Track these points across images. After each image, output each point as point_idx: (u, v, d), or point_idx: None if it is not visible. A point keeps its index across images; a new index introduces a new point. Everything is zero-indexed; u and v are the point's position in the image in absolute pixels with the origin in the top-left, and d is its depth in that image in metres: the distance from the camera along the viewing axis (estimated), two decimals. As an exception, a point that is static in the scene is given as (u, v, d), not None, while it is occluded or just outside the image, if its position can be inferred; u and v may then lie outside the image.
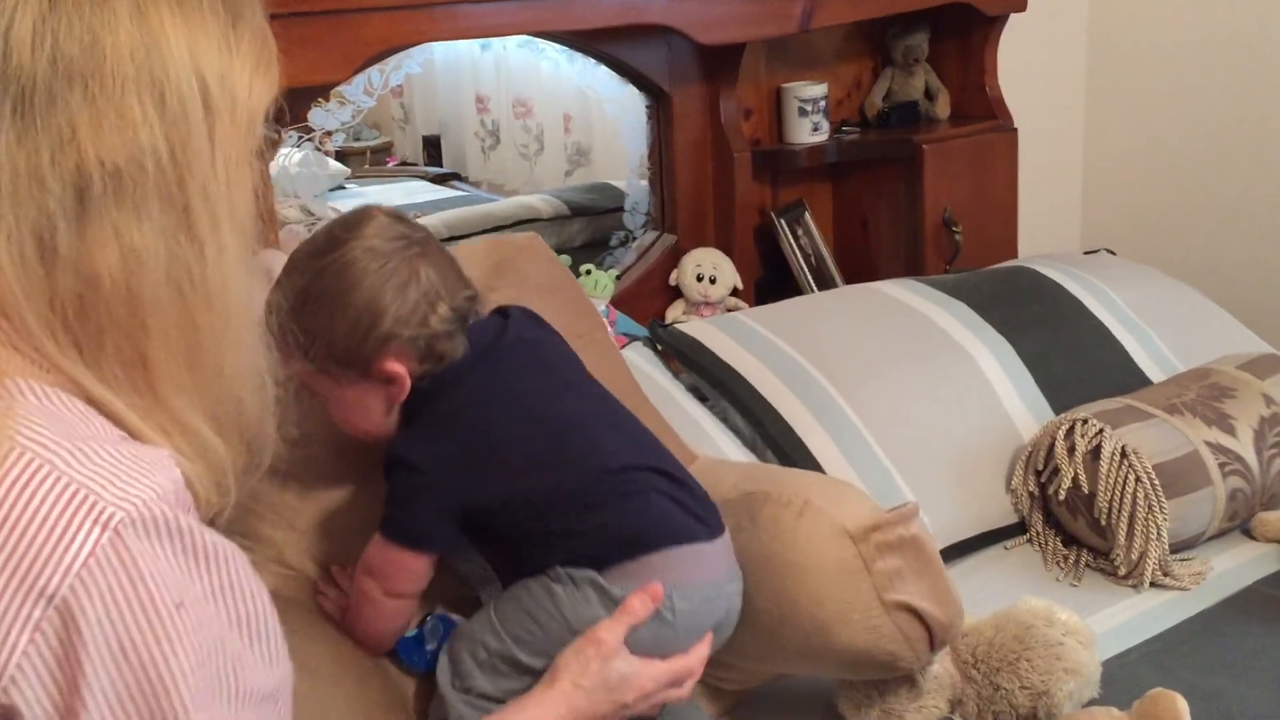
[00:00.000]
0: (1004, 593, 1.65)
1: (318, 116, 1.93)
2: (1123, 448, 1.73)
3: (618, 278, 2.27)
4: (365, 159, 2.87)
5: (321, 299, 1.14)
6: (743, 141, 2.33)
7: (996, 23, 2.46)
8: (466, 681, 1.19)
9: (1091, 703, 1.40)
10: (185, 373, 0.75)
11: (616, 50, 2.19)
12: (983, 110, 2.50)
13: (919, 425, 1.88)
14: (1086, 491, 1.75)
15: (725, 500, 1.34)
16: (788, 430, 1.83)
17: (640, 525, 1.19)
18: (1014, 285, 2.20)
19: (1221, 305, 2.34)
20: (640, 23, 2.03)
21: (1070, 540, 1.82)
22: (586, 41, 2.16)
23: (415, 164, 2.91)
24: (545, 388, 1.24)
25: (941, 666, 1.39)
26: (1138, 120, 2.84)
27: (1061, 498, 1.78)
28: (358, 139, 2.81)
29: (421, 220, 2.35)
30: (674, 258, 2.33)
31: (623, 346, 1.96)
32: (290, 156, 1.97)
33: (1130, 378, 2.06)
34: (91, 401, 0.73)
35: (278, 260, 1.23)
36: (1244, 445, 1.81)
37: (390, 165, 2.91)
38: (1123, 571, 1.73)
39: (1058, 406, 1.95)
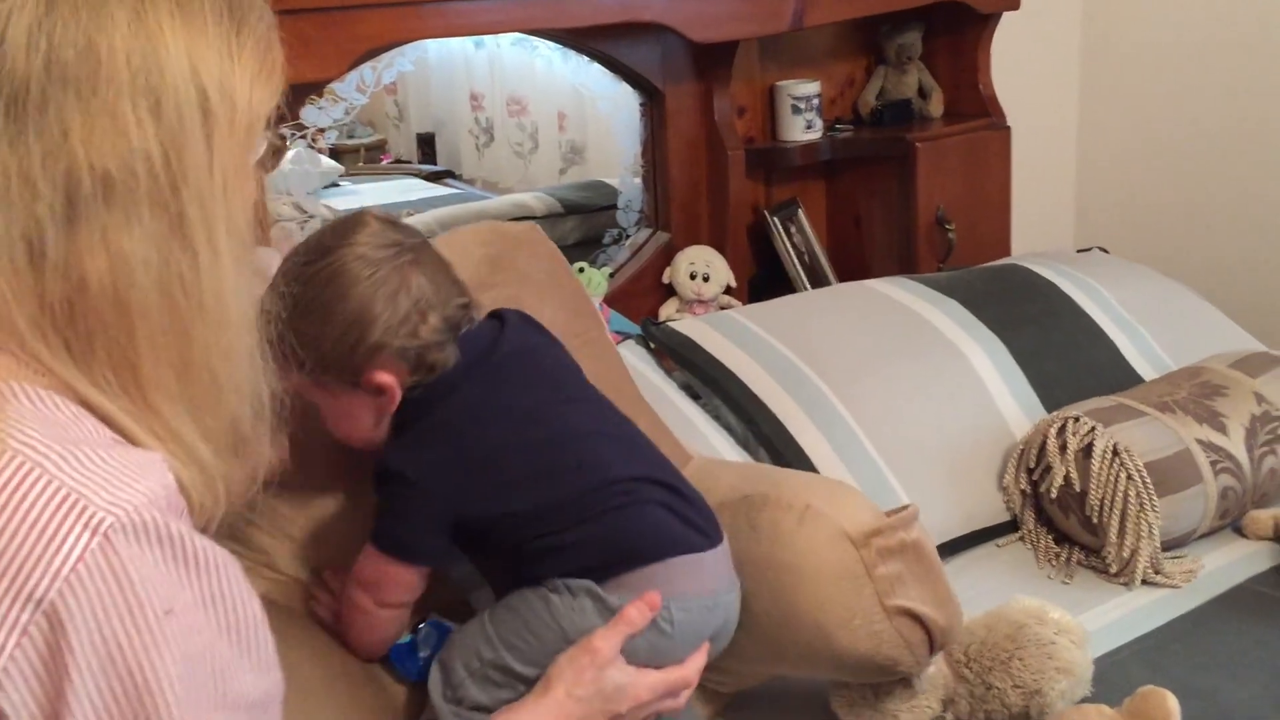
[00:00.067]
0: (996, 590, 1.66)
1: (310, 114, 1.93)
2: (1114, 446, 1.74)
3: (611, 275, 2.27)
4: (360, 156, 2.86)
5: (311, 308, 1.12)
6: (736, 139, 2.33)
7: (990, 21, 2.47)
8: (458, 692, 1.17)
9: (1083, 700, 1.40)
10: (175, 381, 0.75)
11: (610, 48, 2.19)
12: (976, 108, 2.50)
13: (911, 423, 1.88)
14: (1078, 489, 1.75)
15: (722, 502, 1.33)
16: (780, 428, 1.84)
17: (638, 536, 1.17)
18: (1007, 283, 2.20)
19: (1214, 303, 2.35)
20: (634, 20, 2.03)
21: (1062, 538, 1.83)
22: (580, 39, 2.15)
23: (409, 162, 2.91)
24: (541, 399, 1.22)
25: (935, 666, 1.39)
26: (1131, 118, 2.85)
27: (1053, 495, 1.79)
28: (352, 136, 2.81)
29: (415, 218, 2.36)
30: (667, 255, 2.33)
31: (616, 345, 1.96)
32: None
33: (1122, 376, 2.06)
34: (84, 404, 0.73)
35: (272, 259, 1.22)
36: (1235, 443, 1.81)
37: (384, 163, 2.91)
38: (1114, 569, 1.73)
39: (1050, 404, 1.96)
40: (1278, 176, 2.61)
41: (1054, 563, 1.80)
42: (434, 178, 2.81)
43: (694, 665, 1.19)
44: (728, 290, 2.32)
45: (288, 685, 0.78)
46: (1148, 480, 1.72)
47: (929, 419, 1.90)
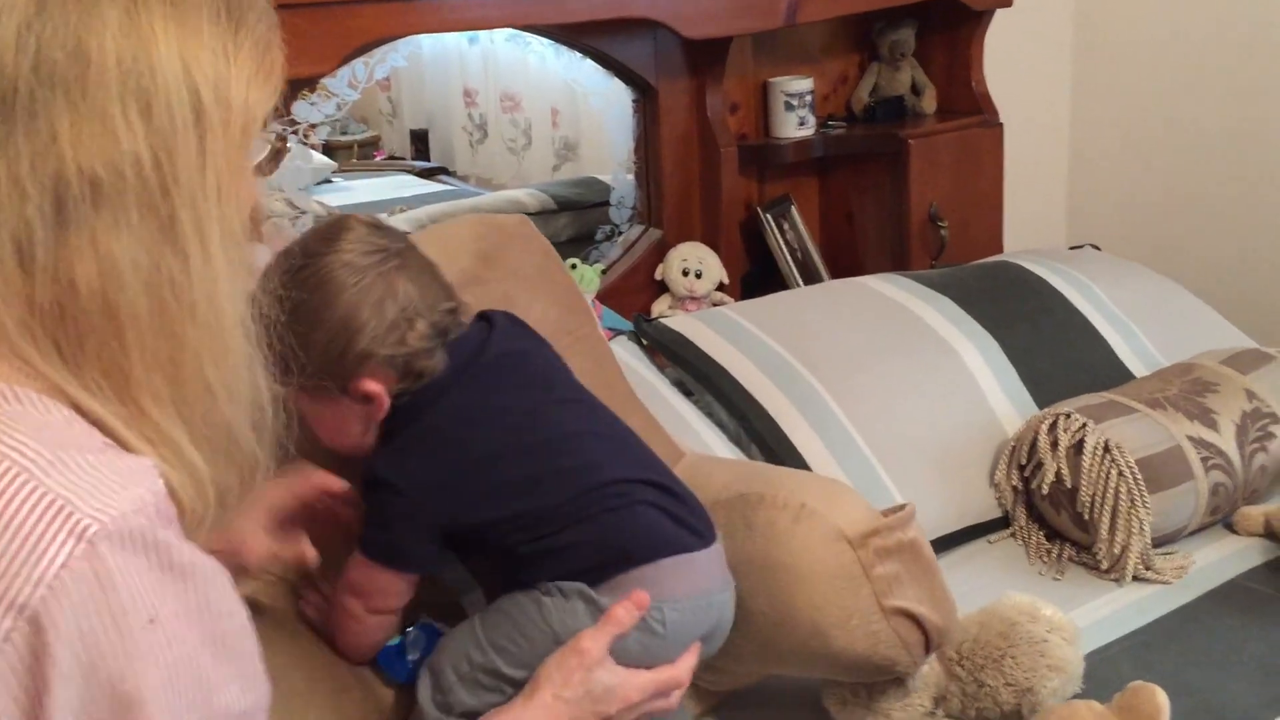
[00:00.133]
0: (987, 586, 1.66)
1: (302, 109, 1.92)
2: (1105, 442, 1.74)
3: (603, 272, 2.27)
4: (353, 153, 2.86)
5: (296, 315, 1.08)
6: (729, 136, 2.33)
7: (983, 18, 2.47)
8: (448, 697, 1.16)
9: (1073, 697, 1.40)
10: (167, 384, 0.74)
11: (603, 44, 2.19)
12: (969, 105, 2.50)
13: (903, 419, 1.88)
14: (1069, 486, 1.75)
15: (717, 500, 1.32)
16: (772, 425, 1.84)
17: (630, 538, 1.16)
18: (999, 280, 2.20)
19: (1205, 300, 2.35)
20: (627, 16, 2.03)
21: (1053, 534, 1.83)
22: (573, 35, 2.15)
23: (403, 158, 2.90)
24: (530, 403, 1.20)
25: (928, 664, 1.39)
26: (1123, 116, 2.85)
27: (1045, 492, 1.79)
28: (345, 133, 2.80)
29: (408, 214, 2.35)
30: (660, 252, 2.33)
31: (608, 341, 1.96)
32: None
33: (1114, 372, 2.07)
34: (75, 408, 0.72)
35: (263, 255, 1.21)
36: (1226, 440, 1.82)
37: (378, 159, 2.90)
38: (1105, 565, 1.73)
39: (1041, 401, 1.96)
40: (1270, 174, 2.62)
41: (1045, 559, 1.80)
42: (427, 174, 2.81)
43: (685, 665, 1.17)
44: (720, 287, 2.32)
45: (273, 691, 0.77)
46: (1139, 476, 1.72)
47: (921, 415, 1.90)
